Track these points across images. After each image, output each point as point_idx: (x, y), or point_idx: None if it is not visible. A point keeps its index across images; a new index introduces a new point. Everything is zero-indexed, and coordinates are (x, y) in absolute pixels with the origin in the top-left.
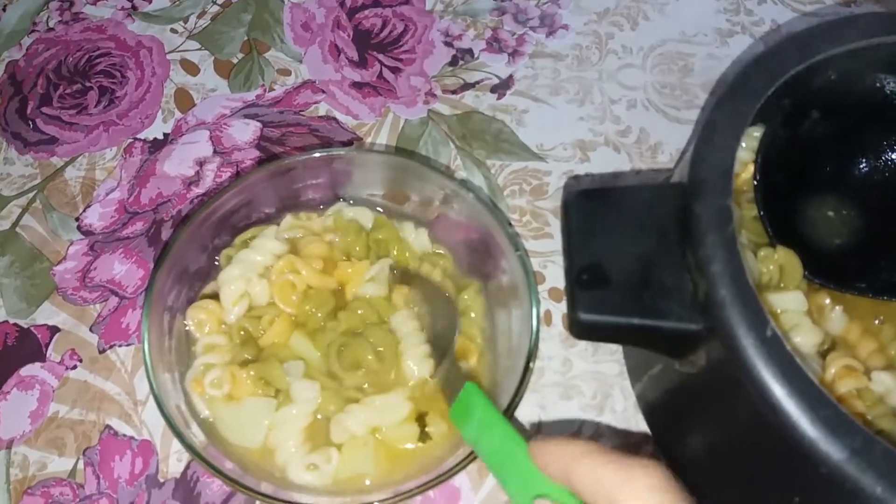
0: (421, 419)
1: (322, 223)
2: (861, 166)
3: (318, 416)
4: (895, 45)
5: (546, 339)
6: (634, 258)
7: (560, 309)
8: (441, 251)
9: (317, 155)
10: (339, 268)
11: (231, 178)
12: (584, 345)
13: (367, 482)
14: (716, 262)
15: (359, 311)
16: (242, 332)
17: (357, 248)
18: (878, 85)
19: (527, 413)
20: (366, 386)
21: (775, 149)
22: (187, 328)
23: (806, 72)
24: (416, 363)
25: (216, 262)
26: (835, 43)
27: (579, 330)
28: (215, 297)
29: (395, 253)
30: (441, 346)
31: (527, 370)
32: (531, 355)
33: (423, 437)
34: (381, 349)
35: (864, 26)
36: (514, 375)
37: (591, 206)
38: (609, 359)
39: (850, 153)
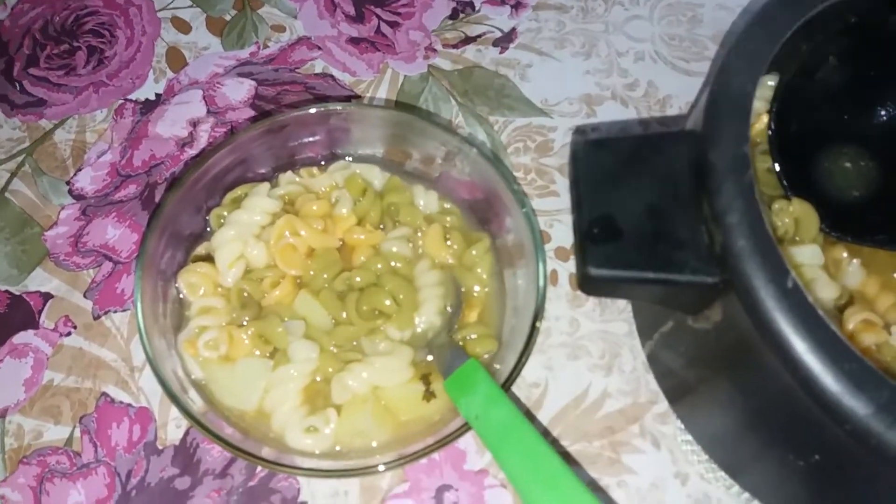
0: (426, 378)
1: (326, 181)
2: (880, 115)
3: (318, 379)
4: None
5: (552, 299)
6: (647, 210)
7: (567, 269)
8: (449, 206)
9: (313, 110)
10: (350, 231)
11: (225, 137)
12: (591, 304)
13: (374, 444)
14: (733, 211)
15: (378, 266)
16: (246, 294)
17: (372, 214)
18: None
19: (533, 374)
20: (382, 327)
21: (791, 98)
22: (181, 293)
23: (825, 14)
24: (434, 313)
25: (209, 222)
26: None
27: (590, 285)
28: (207, 258)
29: (407, 218)
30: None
31: (533, 329)
32: (538, 314)
33: (428, 396)
34: (400, 296)
35: None
36: (520, 335)
37: (600, 157)
38: (617, 318)
39: (868, 102)
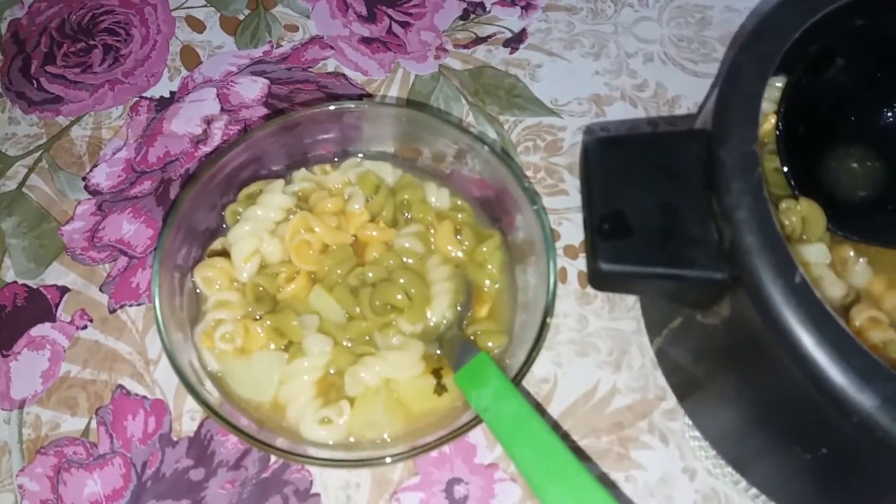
0: (437, 372)
1: (340, 178)
2: (887, 116)
3: (331, 371)
4: None
5: (561, 296)
6: (657, 207)
7: (576, 266)
8: (460, 202)
9: (326, 108)
10: (363, 227)
11: (239, 135)
12: (599, 302)
13: (385, 436)
14: (742, 208)
15: (390, 262)
16: (261, 289)
17: (385, 211)
18: None
19: (543, 370)
20: (394, 322)
21: (798, 99)
22: (197, 288)
23: (832, 17)
24: (446, 308)
25: (224, 217)
26: None
27: (600, 280)
28: (222, 253)
29: (419, 215)
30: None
31: (543, 326)
32: (548, 311)
33: (439, 389)
34: (412, 291)
35: None
36: (530, 330)
37: (611, 154)
38: (625, 315)
39: (875, 102)
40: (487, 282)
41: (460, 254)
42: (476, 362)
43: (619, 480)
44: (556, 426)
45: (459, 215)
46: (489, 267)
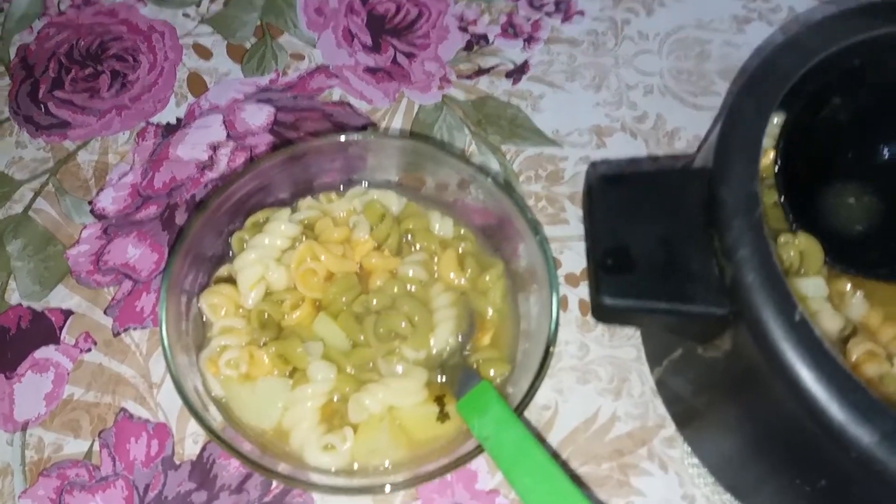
0: (440, 400)
1: (345, 206)
2: (882, 153)
3: (335, 398)
4: None
5: (563, 324)
6: (659, 242)
7: (577, 294)
8: (463, 231)
9: (332, 139)
10: (368, 255)
11: (245, 162)
12: (600, 330)
13: (387, 464)
14: (743, 246)
15: (395, 289)
16: (266, 316)
17: (390, 240)
18: None
19: (544, 397)
20: (398, 349)
21: (796, 135)
22: (203, 315)
23: (831, 58)
24: (449, 334)
25: (230, 244)
26: (861, 30)
27: (604, 314)
28: (228, 279)
29: (423, 243)
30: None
31: (546, 356)
32: (551, 341)
33: (442, 417)
34: (416, 318)
35: (888, 12)
36: (532, 359)
37: (614, 191)
38: (626, 343)
39: (871, 140)
40: (490, 310)
41: (464, 281)
42: (478, 391)
43: None
44: (556, 453)
45: (463, 244)
46: (492, 295)
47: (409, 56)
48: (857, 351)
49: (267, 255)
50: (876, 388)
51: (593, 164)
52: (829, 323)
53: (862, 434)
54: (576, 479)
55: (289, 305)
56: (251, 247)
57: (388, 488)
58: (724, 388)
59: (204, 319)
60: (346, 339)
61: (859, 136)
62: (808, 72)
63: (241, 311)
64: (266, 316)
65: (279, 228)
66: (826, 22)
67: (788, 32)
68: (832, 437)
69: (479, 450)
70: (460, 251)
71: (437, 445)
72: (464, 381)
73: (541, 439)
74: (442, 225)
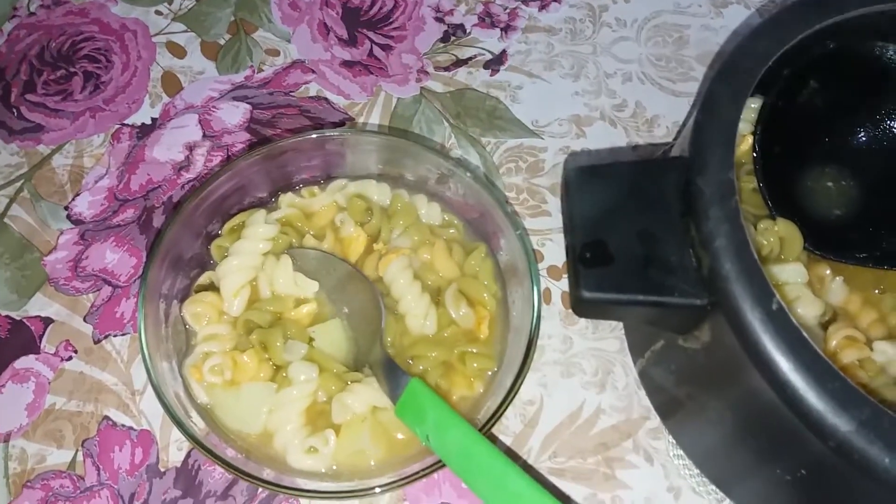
0: None
1: (327, 200)
2: (860, 136)
3: (322, 399)
4: (894, 13)
5: (546, 317)
6: (637, 234)
7: (559, 287)
8: (447, 217)
9: (309, 137)
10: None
11: (222, 161)
12: (584, 323)
13: (372, 464)
14: (720, 236)
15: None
16: (255, 320)
17: (383, 234)
18: (877, 53)
19: (528, 392)
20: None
21: (774, 120)
22: (186, 323)
23: (806, 41)
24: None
25: (209, 250)
26: (835, 11)
27: (583, 308)
28: (209, 287)
29: (416, 237)
30: (368, 334)
31: (529, 350)
32: (533, 335)
33: None
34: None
35: None
36: (515, 354)
37: (591, 183)
38: (609, 336)
39: (848, 123)
40: (486, 295)
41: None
42: (410, 390)
43: (605, 501)
44: (542, 448)
45: (451, 230)
46: (483, 277)
47: (386, 49)
48: (836, 336)
49: (248, 260)
50: (856, 374)
51: (572, 156)
52: (808, 308)
53: (840, 423)
54: (563, 474)
55: (293, 302)
56: (232, 253)
57: (378, 490)
58: (705, 378)
59: (187, 327)
60: (345, 348)
61: (836, 119)
62: (783, 56)
63: (224, 317)
64: (270, 309)
65: (258, 231)
66: (800, 5)
67: (766, 15)
68: (810, 425)
69: None
70: (445, 239)
71: (421, 446)
72: (392, 380)
73: (527, 434)
74: (429, 210)
